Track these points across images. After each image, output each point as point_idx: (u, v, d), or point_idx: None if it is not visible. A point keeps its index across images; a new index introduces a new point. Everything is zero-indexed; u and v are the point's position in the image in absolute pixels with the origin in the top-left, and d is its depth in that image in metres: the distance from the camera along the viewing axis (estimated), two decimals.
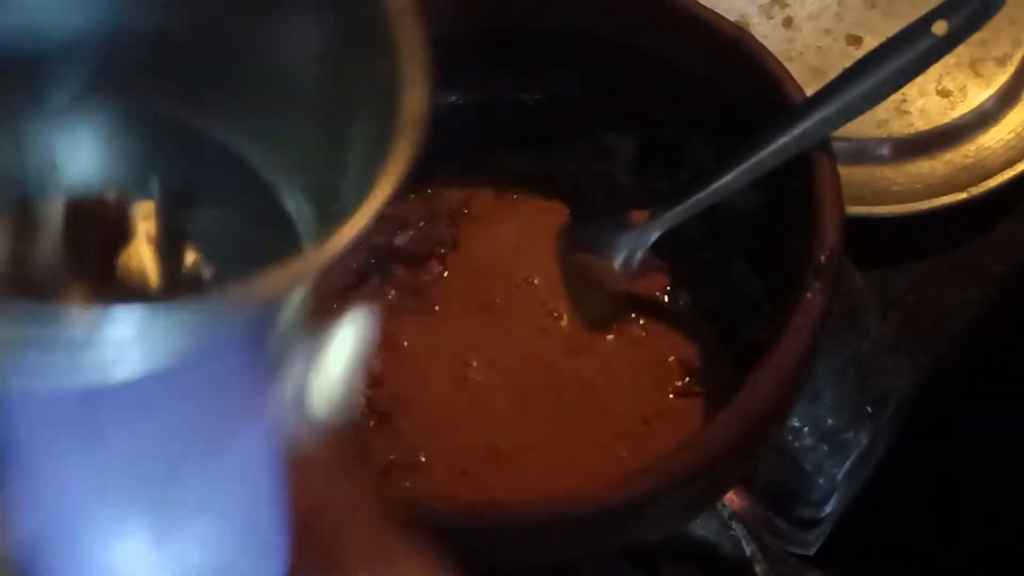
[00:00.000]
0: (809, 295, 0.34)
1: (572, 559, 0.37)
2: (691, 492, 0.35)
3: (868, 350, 0.46)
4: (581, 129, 0.47)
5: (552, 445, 0.40)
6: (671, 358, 0.42)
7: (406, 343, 0.43)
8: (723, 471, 0.35)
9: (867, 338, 0.47)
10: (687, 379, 0.41)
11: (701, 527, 0.48)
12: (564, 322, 0.43)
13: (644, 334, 0.43)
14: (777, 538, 0.49)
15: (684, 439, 0.33)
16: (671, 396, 0.41)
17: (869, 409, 0.46)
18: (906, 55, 0.36)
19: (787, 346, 0.33)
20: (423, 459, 0.41)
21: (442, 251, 0.46)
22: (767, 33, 0.52)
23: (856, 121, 0.50)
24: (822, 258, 0.35)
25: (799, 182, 0.37)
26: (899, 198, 0.48)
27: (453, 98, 0.47)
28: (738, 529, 0.48)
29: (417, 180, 0.47)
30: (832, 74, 0.51)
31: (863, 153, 0.48)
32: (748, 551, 0.48)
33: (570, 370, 0.42)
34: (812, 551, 0.50)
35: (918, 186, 0.48)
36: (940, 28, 0.35)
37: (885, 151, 0.49)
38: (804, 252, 0.36)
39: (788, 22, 0.53)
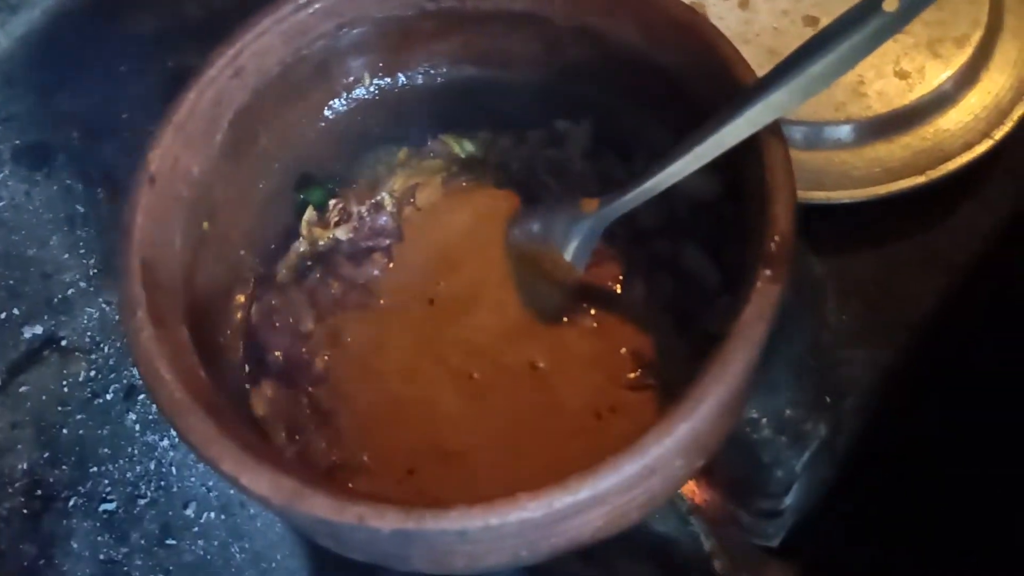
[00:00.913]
0: (759, 284, 0.33)
1: (518, 563, 0.36)
2: (641, 491, 0.33)
3: (827, 340, 0.45)
4: (533, 115, 0.46)
5: (502, 443, 0.39)
6: (623, 350, 0.40)
7: (350, 339, 0.42)
8: (675, 468, 0.34)
9: (826, 328, 0.46)
10: (640, 371, 0.40)
11: (659, 523, 0.47)
12: (514, 314, 0.42)
13: (596, 325, 0.41)
14: (740, 530, 0.48)
15: (633, 436, 0.32)
16: (624, 389, 0.40)
17: (828, 400, 0.45)
18: (858, 33, 0.34)
19: (737, 338, 0.32)
20: (367, 459, 0.39)
21: (386, 243, 0.44)
22: (723, 15, 0.51)
23: (813, 104, 0.49)
24: (772, 246, 0.34)
25: (751, 168, 0.36)
26: (858, 183, 0.46)
27: (401, 80, 0.46)
28: (697, 524, 0.47)
29: (359, 166, 0.46)
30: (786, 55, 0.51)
31: (821, 137, 0.47)
32: (707, 546, 0.47)
33: (520, 364, 0.41)
34: (775, 542, 0.49)
35: (876, 170, 0.47)
36: (891, 5, 0.34)
37: (843, 135, 0.47)
38: (756, 240, 0.35)
39: (745, 3, 0.51)
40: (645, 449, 0.31)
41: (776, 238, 0.34)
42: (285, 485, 0.32)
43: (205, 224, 0.41)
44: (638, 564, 0.47)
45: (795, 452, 0.44)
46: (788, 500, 0.46)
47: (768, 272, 0.33)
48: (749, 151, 0.36)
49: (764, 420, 0.44)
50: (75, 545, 0.44)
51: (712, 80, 0.39)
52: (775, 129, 0.36)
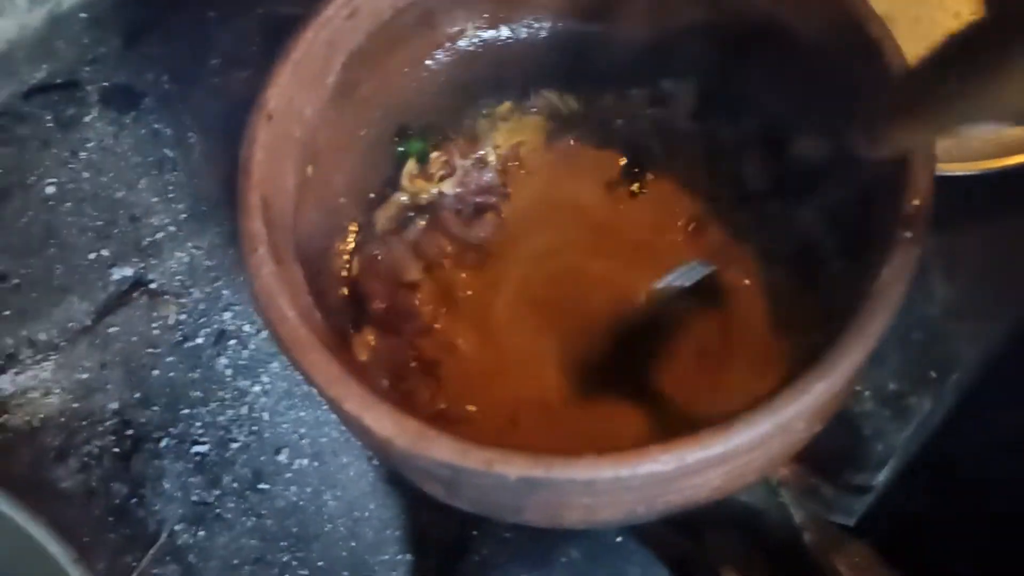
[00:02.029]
0: (898, 246, 0.32)
1: (631, 520, 0.36)
2: (762, 452, 0.33)
3: (934, 313, 0.44)
4: (637, 73, 0.45)
5: (610, 399, 0.39)
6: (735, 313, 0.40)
7: (457, 293, 0.42)
8: (797, 431, 0.33)
9: (933, 302, 0.45)
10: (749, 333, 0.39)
11: (745, 493, 0.47)
12: (621, 281, 0.41)
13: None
14: (820, 505, 0.47)
15: (758, 399, 0.31)
16: (732, 348, 0.39)
17: (933, 374, 0.44)
18: None
19: (876, 300, 0.31)
20: (472, 409, 0.39)
21: (493, 200, 0.44)
22: None
23: None
24: (912, 207, 0.33)
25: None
26: (971, 156, 0.45)
27: (504, 33, 0.45)
28: (786, 496, 0.47)
29: (460, 119, 0.45)
30: (904, 23, 0.50)
31: None
32: (797, 518, 0.46)
33: (629, 323, 0.40)
34: (853, 520, 0.48)
35: (991, 144, 0.45)
36: None
37: None
38: (890, 202, 0.34)
39: None
40: (780, 407, 0.31)
41: (916, 200, 0.33)
42: (410, 427, 0.31)
43: (309, 168, 0.40)
44: (725, 534, 0.46)
45: (897, 426, 0.43)
46: (882, 476, 0.46)
47: (908, 234, 0.32)
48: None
49: (867, 392, 0.43)
50: (167, 485, 0.44)
51: (838, 38, 0.38)
52: None
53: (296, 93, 0.39)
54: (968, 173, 0.45)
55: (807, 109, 0.40)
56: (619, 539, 0.39)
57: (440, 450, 0.31)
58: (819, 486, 0.47)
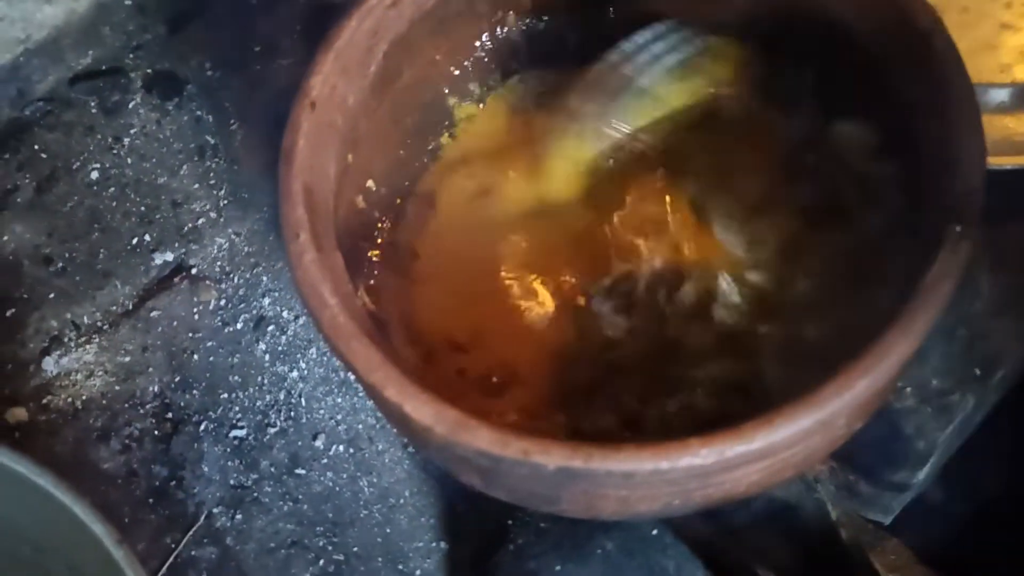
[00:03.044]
0: (948, 240, 0.31)
1: (668, 513, 0.36)
2: (802, 448, 0.32)
3: (979, 309, 0.44)
4: None
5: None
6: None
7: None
8: (837, 427, 0.33)
9: (978, 298, 0.44)
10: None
11: (780, 488, 0.46)
12: None
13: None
14: (857, 502, 0.47)
15: (806, 395, 0.31)
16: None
17: (977, 372, 0.43)
18: None
19: (923, 296, 0.31)
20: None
21: None
22: None
23: (977, 65, 0.46)
24: (962, 201, 0.32)
25: (934, 119, 0.35)
26: (1019, 149, 0.44)
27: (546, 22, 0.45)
28: (823, 492, 0.46)
29: None
30: (953, 14, 0.48)
31: (983, 100, 0.44)
32: (834, 515, 0.46)
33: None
34: (889, 519, 0.47)
35: None
36: None
37: (1006, 98, 0.45)
38: (939, 195, 0.33)
39: None
40: (823, 402, 0.30)
41: (967, 193, 0.32)
42: (449, 415, 0.31)
43: (350, 156, 0.40)
44: (761, 529, 0.46)
45: (939, 424, 0.43)
46: (921, 474, 0.45)
47: (958, 228, 0.32)
48: (932, 97, 0.35)
49: (909, 389, 0.43)
50: (206, 468, 0.45)
51: (890, 34, 0.37)
52: (963, 79, 0.34)
53: (338, 81, 0.39)
54: (1017, 167, 0.44)
55: (858, 101, 0.39)
56: (655, 532, 0.39)
57: (479, 439, 0.31)
58: (857, 483, 0.47)
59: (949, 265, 0.31)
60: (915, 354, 0.32)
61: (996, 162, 0.45)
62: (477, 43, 0.44)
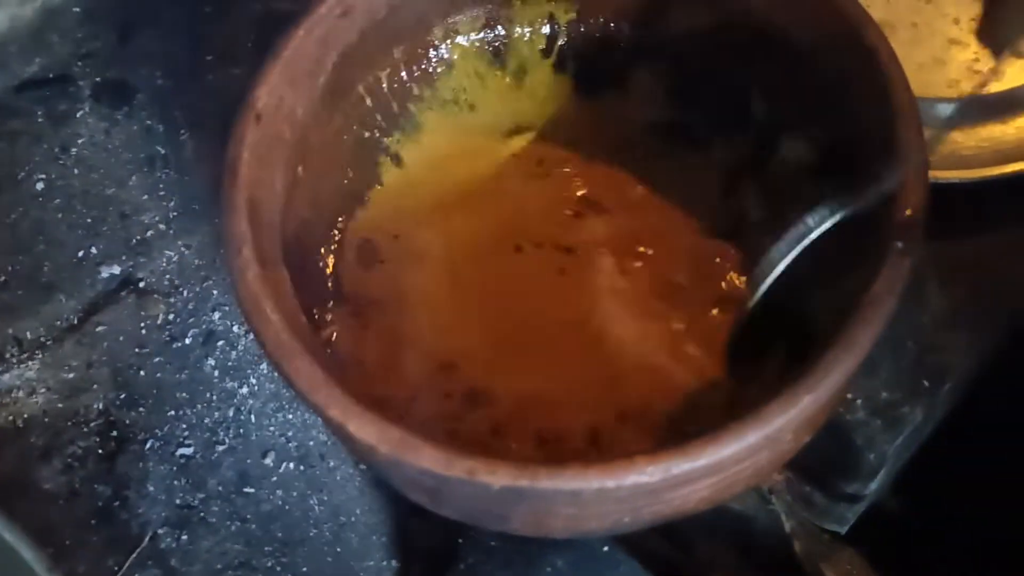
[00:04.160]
0: (890, 257, 0.32)
1: (618, 529, 0.35)
2: (750, 463, 0.32)
3: (928, 322, 0.44)
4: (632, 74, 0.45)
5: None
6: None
7: None
8: (785, 442, 0.33)
9: (927, 311, 0.44)
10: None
11: (736, 501, 0.46)
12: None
13: None
14: (812, 513, 0.47)
15: (752, 412, 0.31)
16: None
17: (926, 384, 0.43)
18: None
19: (866, 312, 0.31)
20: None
21: None
22: None
23: (925, 80, 0.47)
24: (905, 216, 0.32)
25: (877, 134, 0.35)
26: (967, 163, 0.45)
27: (500, 33, 0.44)
28: (777, 504, 0.46)
29: None
30: (902, 30, 0.49)
31: (931, 114, 0.45)
32: (788, 527, 0.46)
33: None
34: (844, 528, 0.48)
35: (987, 152, 0.45)
36: None
37: (954, 113, 0.46)
38: (882, 211, 0.33)
39: None
40: (768, 418, 0.30)
41: (908, 209, 0.33)
42: (393, 434, 0.31)
43: (300, 168, 0.40)
44: (715, 542, 0.46)
45: (889, 436, 0.43)
46: (873, 485, 0.45)
47: (900, 244, 0.32)
48: (876, 114, 0.35)
49: (859, 401, 0.43)
50: (151, 488, 0.44)
51: (835, 48, 0.37)
52: (906, 91, 0.35)
53: (287, 92, 0.38)
54: (965, 180, 0.45)
55: (801, 115, 0.40)
56: (606, 548, 0.38)
57: (423, 458, 0.30)
58: (811, 494, 0.47)
59: (891, 282, 0.31)
60: (860, 368, 0.32)
61: (944, 176, 0.46)
62: (425, 60, 0.44)
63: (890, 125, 0.34)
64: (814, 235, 0.35)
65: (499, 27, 0.45)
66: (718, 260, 0.41)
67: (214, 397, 0.46)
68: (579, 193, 0.43)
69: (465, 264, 0.42)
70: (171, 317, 0.47)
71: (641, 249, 0.41)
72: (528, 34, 0.45)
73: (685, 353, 0.39)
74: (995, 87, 0.46)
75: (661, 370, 0.38)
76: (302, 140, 0.40)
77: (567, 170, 0.44)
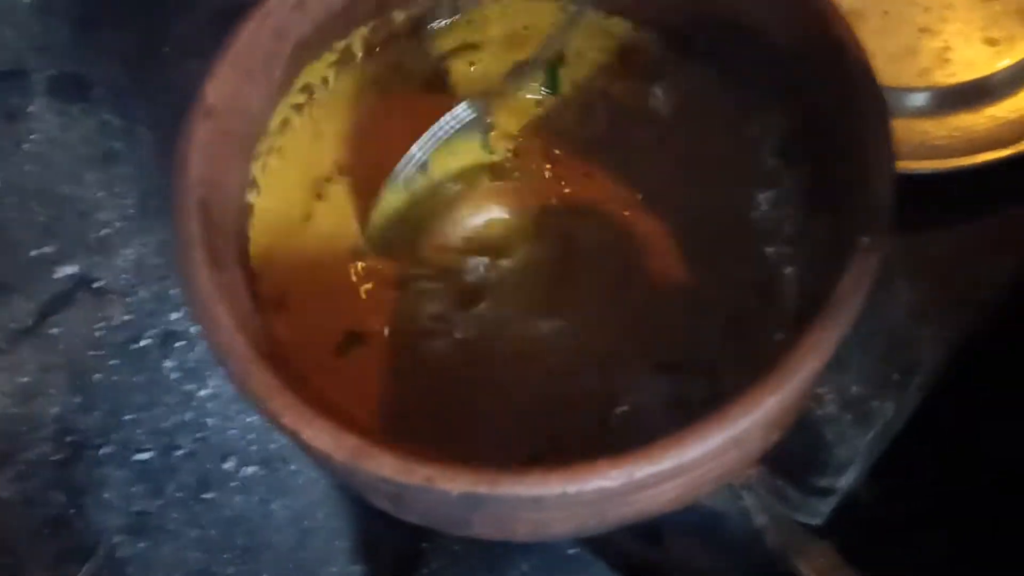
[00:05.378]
0: (857, 254, 0.31)
1: (583, 532, 0.35)
2: (716, 464, 0.32)
3: (897, 316, 0.44)
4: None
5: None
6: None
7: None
8: (753, 442, 0.32)
9: (896, 304, 0.44)
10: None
11: (707, 497, 0.46)
12: None
13: None
14: (786, 507, 0.47)
15: (714, 413, 0.30)
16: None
17: (896, 378, 0.43)
18: None
19: (832, 311, 0.30)
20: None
21: None
22: None
23: (895, 69, 0.47)
24: (871, 212, 0.32)
25: (842, 126, 0.34)
26: (938, 153, 0.44)
27: None
28: (748, 499, 0.46)
29: None
30: (872, 19, 0.48)
31: (901, 104, 0.45)
32: (757, 522, 0.46)
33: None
34: (819, 520, 0.47)
35: (958, 141, 0.44)
36: None
37: (925, 102, 0.45)
38: (848, 206, 0.33)
39: None
40: (732, 420, 0.29)
41: (875, 205, 0.32)
42: (348, 442, 0.30)
43: (256, 166, 0.39)
44: (687, 538, 0.45)
45: (859, 431, 0.42)
46: (845, 479, 0.45)
47: (867, 240, 0.31)
48: (841, 107, 0.34)
49: (830, 396, 0.42)
50: (107, 495, 0.42)
51: (803, 40, 0.36)
52: (873, 87, 0.34)
53: (240, 87, 0.37)
54: (935, 171, 0.44)
55: (769, 106, 0.39)
56: (572, 551, 0.38)
57: (381, 466, 0.29)
58: (784, 488, 0.47)
59: (858, 279, 0.31)
60: (827, 366, 0.32)
61: (914, 167, 0.45)
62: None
63: (856, 119, 0.33)
64: None
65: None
66: None
67: (172, 400, 0.44)
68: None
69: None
70: (128, 318, 0.46)
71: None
72: None
73: None
74: (966, 75, 0.45)
75: None
76: (259, 136, 0.39)
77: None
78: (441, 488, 0.29)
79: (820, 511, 0.47)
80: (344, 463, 0.30)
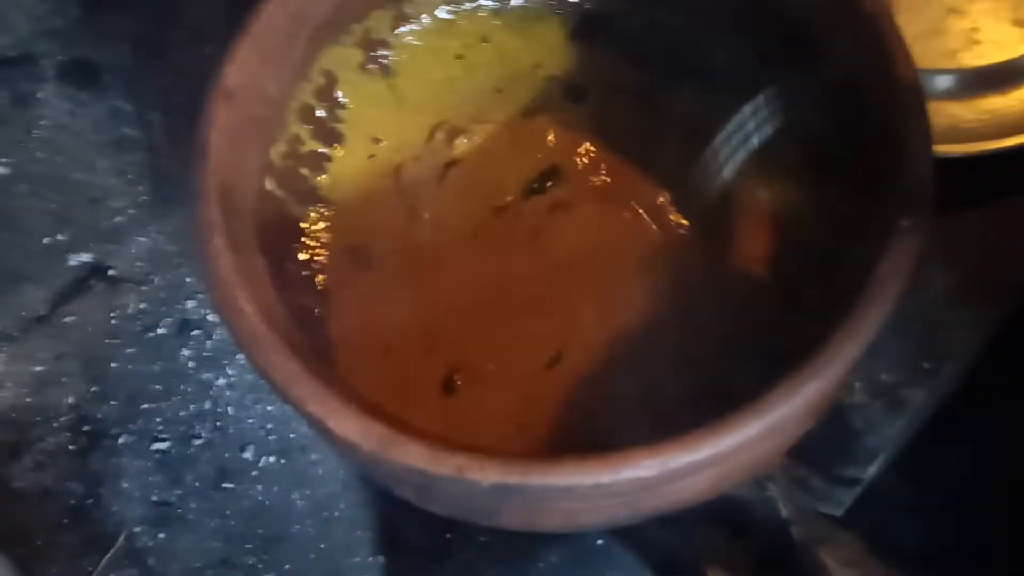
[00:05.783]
0: (896, 236, 0.30)
1: (613, 523, 0.34)
2: (750, 454, 0.31)
3: (929, 300, 0.43)
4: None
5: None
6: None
7: None
8: (787, 431, 0.32)
9: (929, 290, 0.43)
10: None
11: (734, 487, 0.45)
12: None
13: None
14: (809, 497, 0.46)
15: (753, 401, 0.29)
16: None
17: (927, 365, 0.42)
18: None
19: (872, 296, 0.29)
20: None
21: None
22: None
23: (923, 51, 0.45)
24: (910, 193, 0.31)
25: (879, 109, 0.33)
26: (966, 136, 0.43)
27: (485, 3, 0.43)
28: (774, 490, 0.45)
29: None
30: None
31: (929, 86, 0.44)
32: (784, 512, 0.45)
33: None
34: (841, 511, 0.47)
35: (988, 124, 0.44)
36: None
37: (953, 84, 0.44)
38: (885, 188, 0.32)
39: None
40: (771, 408, 0.29)
41: (915, 185, 0.31)
42: (376, 431, 0.29)
43: (274, 150, 0.38)
44: (712, 528, 0.45)
45: (889, 419, 0.42)
46: (872, 469, 0.44)
47: (906, 222, 0.31)
48: (878, 89, 0.33)
49: (859, 384, 0.42)
50: (125, 485, 0.42)
51: (832, 18, 0.36)
52: (909, 66, 0.33)
53: (259, 70, 0.36)
54: (967, 154, 0.43)
55: (798, 88, 0.38)
56: (600, 542, 0.37)
57: (409, 455, 0.29)
58: (809, 478, 0.46)
59: (899, 262, 0.30)
60: (866, 353, 0.31)
61: (943, 150, 0.44)
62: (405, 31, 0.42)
63: (892, 99, 0.33)
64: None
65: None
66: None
67: (189, 389, 0.44)
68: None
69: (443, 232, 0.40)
70: (143, 306, 0.46)
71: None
72: None
73: None
74: (995, 57, 0.44)
75: None
76: (277, 119, 0.38)
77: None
78: (471, 478, 0.28)
79: (843, 501, 0.46)
80: (371, 452, 0.29)
